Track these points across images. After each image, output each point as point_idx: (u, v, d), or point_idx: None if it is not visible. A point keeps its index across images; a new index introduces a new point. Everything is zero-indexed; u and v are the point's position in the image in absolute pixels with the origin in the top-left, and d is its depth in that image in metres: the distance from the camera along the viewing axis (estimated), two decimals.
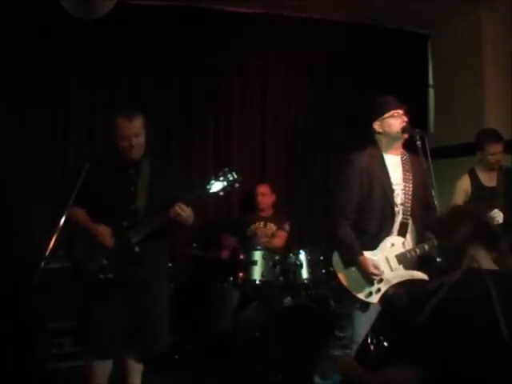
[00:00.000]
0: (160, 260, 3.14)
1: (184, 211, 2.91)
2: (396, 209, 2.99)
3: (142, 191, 3.01)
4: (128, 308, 2.96)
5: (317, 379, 3.14)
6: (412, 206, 3.01)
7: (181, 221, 2.96)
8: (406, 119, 3.02)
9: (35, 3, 4.50)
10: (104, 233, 2.94)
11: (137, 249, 2.97)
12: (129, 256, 2.97)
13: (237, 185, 3.00)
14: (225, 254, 4.71)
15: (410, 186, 3.03)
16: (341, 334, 3.05)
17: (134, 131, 2.94)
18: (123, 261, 2.95)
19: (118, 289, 2.93)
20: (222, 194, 2.98)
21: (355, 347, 3.05)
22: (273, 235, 4.77)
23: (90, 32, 4.57)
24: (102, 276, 2.92)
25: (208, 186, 2.97)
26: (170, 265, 4.33)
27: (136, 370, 3.15)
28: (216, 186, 2.97)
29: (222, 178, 2.97)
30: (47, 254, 2.64)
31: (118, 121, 2.94)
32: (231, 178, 2.98)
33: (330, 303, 4.01)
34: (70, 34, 4.60)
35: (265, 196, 4.87)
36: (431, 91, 5.98)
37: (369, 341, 4.17)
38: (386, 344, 4.25)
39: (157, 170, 3.10)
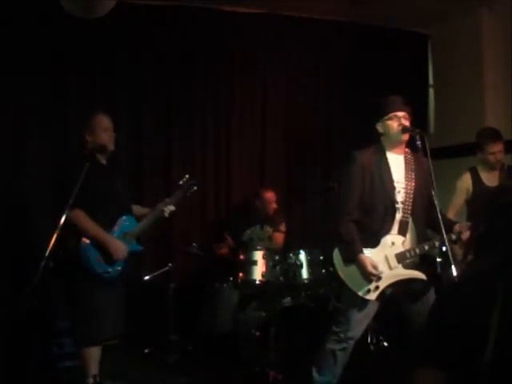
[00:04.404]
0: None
1: (173, 210, 3.54)
2: (396, 206, 2.99)
3: (122, 190, 3.43)
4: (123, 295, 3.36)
5: (315, 375, 3.14)
6: (413, 205, 3.02)
7: (168, 217, 3.56)
8: (404, 121, 3.02)
9: (35, 3, 4.50)
10: (120, 248, 3.24)
11: (138, 247, 3.42)
12: (132, 253, 3.34)
13: (195, 187, 3.67)
14: (224, 253, 4.72)
15: (413, 185, 3.03)
16: (337, 330, 3.07)
17: (111, 125, 3.42)
18: (128, 258, 3.30)
19: (118, 281, 3.28)
20: (188, 195, 3.67)
21: (351, 342, 3.07)
22: (269, 238, 4.77)
23: (90, 32, 4.57)
24: (109, 271, 3.23)
25: (181, 189, 3.61)
26: (170, 265, 4.38)
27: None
28: (185, 189, 3.63)
29: (190, 182, 3.64)
30: (47, 253, 2.65)
31: (99, 115, 3.41)
32: (192, 183, 3.65)
33: (329, 303, 4.01)
34: (70, 34, 4.60)
35: (272, 203, 4.85)
36: (431, 91, 5.99)
37: (369, 341, 4.17)
38: (386, 344, 4.26)
39: (118, 169, 3.56)
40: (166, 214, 3.51)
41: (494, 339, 1.33)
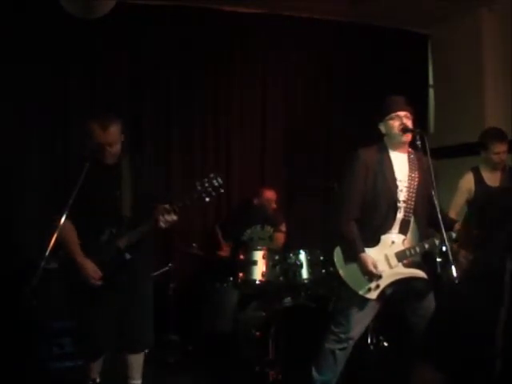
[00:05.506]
0: (145, 262, 3.17)
1: (173, 219, 2.94)
2: (398, 205, 3.00)
3: (126, 194, 3.04)
4: (115, 309, 3.04)
5: (315, 374, 3.14)
6: (415, 204, 3.02)
7: (167, 227, 2.97)
8: (406, 121, 3.02)
9: (35, 3, 4.50)
10: (89, 272, 2.95)
11: (127, 256, 3.04)
12: (119, 263, 3.03)
13: (221, 190, 3.00)
14: (224, 253, 4.73)
15: (415, 184, 3.04)
16: (337, 330, 3.06)
17: (109, 140, 2.91)
18: (114, 267, 3.02)
19: (108, 292, 3.00)
20: (207, 199, 2.98)
21: (351, 342, 3.07)
22: (270, 238, 4.76)
23: (90, 32, 4.57)
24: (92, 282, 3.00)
25: (194, 193, 2.96)
26: (170, 265, 4.39)
27: (136, 363, 3.23)
28: (202, 192, 2.96)
29: (207, 184, 2.97)
30: (47, 253, 2.64)
31: (92, 127, 2.89)
32: (216, 184, 2.98)
33: (329, 303, 4.00)
34: (70, 34, 4.61)
35: (272, 203, 4.85)
36: (431, 91, 5.99)
37: (369, 341, 4.17)
38: (386, 344, 4.26)
39: (137, 170, 3.11)
40: (163, 225, 2.93)
41: (502, 335, 1.33)
